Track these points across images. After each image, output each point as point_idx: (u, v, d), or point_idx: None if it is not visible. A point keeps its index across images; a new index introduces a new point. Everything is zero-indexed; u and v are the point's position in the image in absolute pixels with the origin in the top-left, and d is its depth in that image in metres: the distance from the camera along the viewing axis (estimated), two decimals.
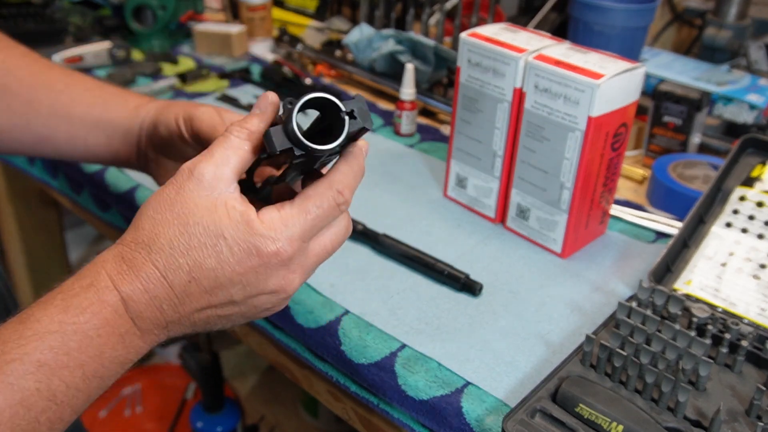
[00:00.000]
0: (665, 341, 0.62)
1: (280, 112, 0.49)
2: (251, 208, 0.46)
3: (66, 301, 0.43)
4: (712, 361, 0.62)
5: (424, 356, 0.67)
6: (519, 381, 0.64)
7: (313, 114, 0.50)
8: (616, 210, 0.90)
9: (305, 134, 0.45)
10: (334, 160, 0.50)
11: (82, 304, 0.43)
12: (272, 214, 0.45)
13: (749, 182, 0.79)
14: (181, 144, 0.64)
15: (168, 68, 1.31)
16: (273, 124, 0.49)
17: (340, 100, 0.45)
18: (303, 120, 0.45)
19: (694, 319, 0.68)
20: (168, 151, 0.66)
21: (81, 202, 1.09)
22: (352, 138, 0.47)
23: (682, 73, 1.18)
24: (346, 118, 0.45)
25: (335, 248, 0.50)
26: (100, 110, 0.67)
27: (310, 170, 0.52)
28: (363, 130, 0.46)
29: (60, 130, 0.68)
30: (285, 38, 1.43)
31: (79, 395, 0.42)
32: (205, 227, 0.44)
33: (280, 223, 0.45)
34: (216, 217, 0.44)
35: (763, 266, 0.73)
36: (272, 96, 0.49)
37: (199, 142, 0.62)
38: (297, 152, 0.45)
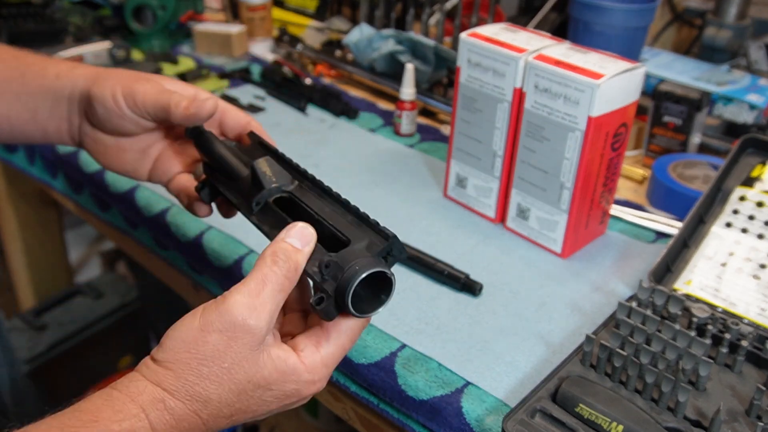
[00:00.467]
0: (665, 341, 0.62)
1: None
2: (293, 354, 0.47)
3: None
4: (712, 361, 0.62)
5: (424, 356, 0.67)
6: (519, 381, 0.64)
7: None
8: (616, 210, 0.90)
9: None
10: None
11: None
12: (314, 357, 0.48)
13: (749, 182, 0.79)
14: (119, 120, 0.60)
15: (168, 68, 1.30)
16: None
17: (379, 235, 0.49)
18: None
19: (694, 319, 0.68)
20: (105, 126, 0.62)
21: (81, 202, 1.09)
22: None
23: (682, 73, 1.18)
24: (393, 277, 0.47)
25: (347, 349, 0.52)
26: (18, 85, 0.63)
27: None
28: (396, 261, 0.50)
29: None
30: (285, 38, 1.43)
31: None
32: (255, 384, 0.46)
33: (321, 365, 0.48)
34: (266, 373, 0.46)
35: (763, 266, 0.73)
36: (310, 229, 0.50)
37: (142, 117, 0.60)
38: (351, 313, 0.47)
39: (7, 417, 0.74)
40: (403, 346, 0.68)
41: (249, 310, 0.44)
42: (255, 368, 0.45)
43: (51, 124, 0.64)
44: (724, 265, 0.74)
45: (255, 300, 0.45)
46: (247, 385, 0.45)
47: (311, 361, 0.47)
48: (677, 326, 0.63)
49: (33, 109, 0.63)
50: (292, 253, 0.47)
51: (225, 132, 0.65)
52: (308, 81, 1.24)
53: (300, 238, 0.48)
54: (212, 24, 1.42)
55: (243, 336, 0.44)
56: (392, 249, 0.48)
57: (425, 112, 1.18)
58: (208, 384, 0.44)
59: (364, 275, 0.45)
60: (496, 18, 1.33)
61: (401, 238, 0.80)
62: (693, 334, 0.63)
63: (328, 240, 0.50)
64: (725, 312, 0.70)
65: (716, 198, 0.80)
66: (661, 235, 0.87)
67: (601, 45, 1.10)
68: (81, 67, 0.63)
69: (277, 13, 1.55)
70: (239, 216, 0.61)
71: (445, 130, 1.13)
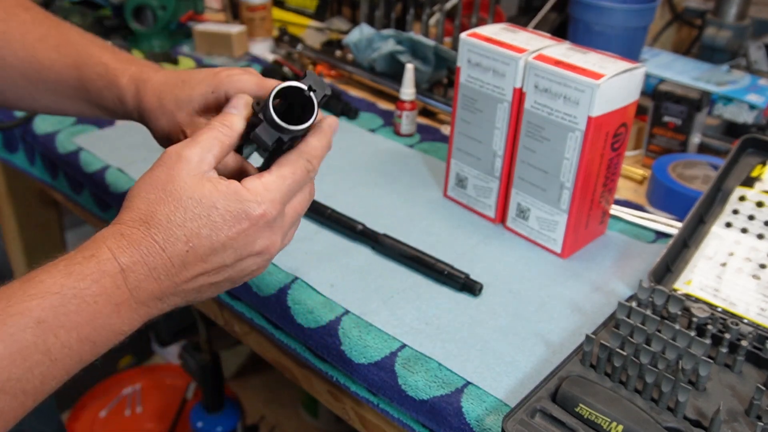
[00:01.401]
0: (665, 341, 0.62)
1: None
2: (234, 181, 0.51)
3: (69, 267, 0.46)
4: (711, 361, 0.62)
5: (424, 356, 0.67)
6: (519, 381, 0.64)
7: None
8: (616, 210, 0.90)
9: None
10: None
11: (84, 272, 0.46)
12: (254, 182, 0.51)
13: (749, 182, 0.79)
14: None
15: (168, 68, 1.30)
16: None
17: (297, 81, 0.53)
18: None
19: (694, 319, 0.68)
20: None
21: (81, 202, 1.09)
22: (320, 106, 0.54)
23: (682, 73, 1.18)
24: (312, 93, 0.53)
25: (303, 211, 0.56)
26: (83, 92, 0.67)
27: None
28: (325, 96, 0.54)
29: (46, 99, 0.69)
30: (285, 38, 1.43)
31: (72, 355, 0.45)
32: (197, 200, 0.49)
33: (263, 188, 0.51)
34: (206, 191, 0.49)
35: (762, 266, 0.73)
36: (246, 98, 0.56)
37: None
38: (285, 138, 0.53)
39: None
40: (403, 346, 0.68)
41: (183, 145, 0.51)
42: (195, 187, 0.49)
43: (110, 114, 0.69)
44: (724, 265, 0.74)
45: (189, 140, 0.52)
46: (190, 202, 0.49)
47: (252, 185, 0.51)
48: (677, 326, 0.63)
49: (93, 109, 0.68)
50: (228, 115, 0.54)
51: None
52: None
53: (235, 105, 0.55)
54: (212, 24, 1.42)
55: (179, 164, 0.50)
56: (311, 83, 0.53)
57: (425, 112, 1.18)
58: (154, 206, 0.49)
59: (279, 87, 0.52)
60: (496, 18, 1.33)
61: (401, 238, 0.81)
62: (693, 334, 0.63)
63: None
64: (725, 312, 0.70)
65: (716, 198, 0.80)
66: (661, 235, 0.87)
67: (601, 45, 1.10)
68: (144, 71, 0.65)
69: (277, 13, 1.55)
70: None
71: (445, 130, 1.13)
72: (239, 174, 0.56)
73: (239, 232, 0.50)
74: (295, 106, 0.55)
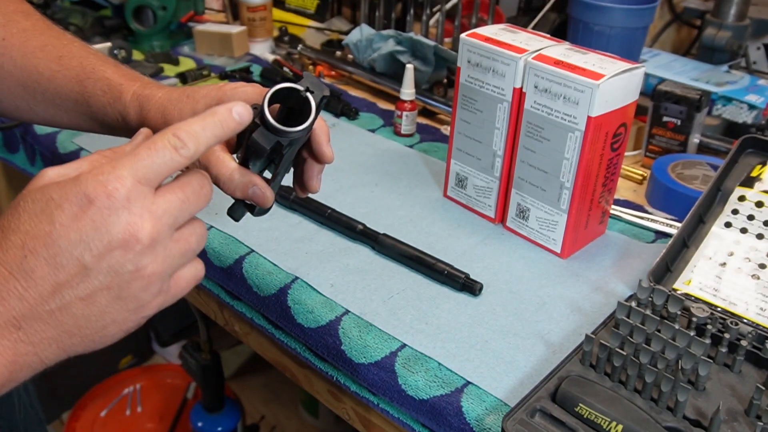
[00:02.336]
0: (665, 341, 0.62)
1: None
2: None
3: None
4: (711, 360, 0.62)
5: (424, 356, 0.67)
6: (519, 381, 0.64)
7: None
8: (615, 210, 0.90)
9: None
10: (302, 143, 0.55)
11: None
12: (102, 166, 0.42)
13: (749, 182, 0.79)
14: None
15: (168, 68, 1.31)
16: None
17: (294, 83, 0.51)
18: None
19: (694, 319, 0.68)
20: None
21: None
22: (318, 108, 0.51)
23: (682, 73, 1.18)
24: (309, 95, 0.50)
25: (191, 200, 0.44)
26: (85, 106, 0.65)
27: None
28: (324, 98, 0.51)
29: (45, 111, 0.68)
30: (285, 38, 1.43)
31: None
32: (33, 198, 0.41)
33: (109, 166, 0.41)
34: (45, 189, 0.41)
35: (762, 266, 0.73)
36: (145, 131, 0.48)
37: None
38: (284, 142, 0.50)
39: (9, 417, 0.74)
40: (403, 345, 0.68)
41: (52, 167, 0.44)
42: (35, 190, 0.41)
43: (108, 128, 0.66)
44: (723, 265, 0.74)
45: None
46: (27, 204, 0.40)
47: (99, 169, 0.41)
48: (677, 326, 0.63)
49: (93, 123, 0.66)
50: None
51: None
52: None
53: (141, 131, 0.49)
54: (213, 24, 1.42)
55: (34, 179, 0.43)
56: (308, 85, 0.50)
57: (425, 112, 1.19)
58: None
59: (275, 89, 0.49)
60: (496, 18, 1.33)
61: (401, 238, 0.81)
62: (692, 333, 0.63)
63: None
64: (725, 312, 0.70)
65: (716, 198, 0.80)
66: (661, 235, 0.87)
67: (601, 45, 1.10)
68: (147, 87, 0.62)
69: (278, 14, 1.55)
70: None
71: (445, 130, 1.13)
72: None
73: (83, 221, 0.40)
74: (294, 111, 0.53)
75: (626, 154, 1.05)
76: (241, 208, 0.57)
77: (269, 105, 0.50)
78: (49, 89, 0.65)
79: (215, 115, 0.44)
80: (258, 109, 0.50)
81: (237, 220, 0.57)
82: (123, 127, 0.63)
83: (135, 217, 0.41)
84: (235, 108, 0.45)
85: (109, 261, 0.40)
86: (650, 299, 0.69)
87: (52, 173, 0.42)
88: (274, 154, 0.53)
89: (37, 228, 0.39)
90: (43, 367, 0.41)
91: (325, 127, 0.56)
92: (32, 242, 0.39)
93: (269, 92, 0.50)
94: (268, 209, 0.57)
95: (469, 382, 0.64)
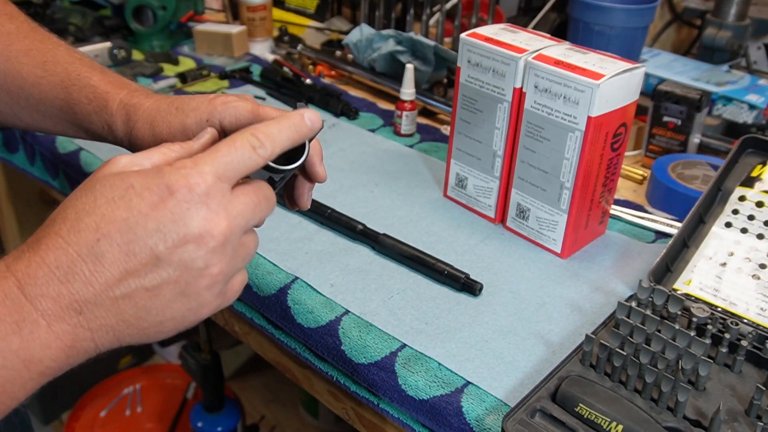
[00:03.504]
0: (665, 341, 0.62)
1: None
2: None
3: None
4: (711, 360, 0.62)
5: (424, 356, 0.67)
6: (519, 381, 0.64)
7: None
8: (615, 210, 0.90)
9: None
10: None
11: None
12: (184, 160, 0.42)
13: (749, 182, 0.79)
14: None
15: (168, 68, 1.31)
16: None
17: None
18: None
19: (694, 319, 0.68)
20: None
21: None
22: (311, 140, 0.51)
23: (682, 73, 1.18)
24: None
25: (262, 205, 0.45)
26: (70, 114, 0.63)
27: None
28: (318, 130, 0.50)
29: (28, 117, 0.66)
30: (285, 38, 1.43)
31: None
32: (111, 184, 0.40)
33: (191, 162, 0.42)
34: (124, 175, 0.41)
35: (762, 266, 0.73)
36: (212, 132, 0.50)
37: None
38: (276, 178, 0.49)
39: (10, 417, 0.74)
40: (403, 345, 0.68)
41: (117, 155, 0.44)
42: (112, 175, 0.41)
43: (93, 136, 0.64)
44: (723, 265, 0.74)
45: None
46: (103, 189, 0.40)
47: (179, 162, 0.42)
48: (677, 326, 0.63)
49: (77, 130, 0.64)
50: (187, 143, 0.48)
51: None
52: (308, 81, 1.24)
53: (200, 135, 0.50)
54: (212, 24, 1.42)
55: (106, 165, 0.43)
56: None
57: (425, 112, 1.19)
58: (65, 204, 0.41)
59: None
60: (496, 18, 1.33)
61: (401, 238, 0.81)
62: (693, 333, 0.63)
63: None
64: (725, 312, 0.70)
65: (716, 198, 0.80)
66: (661, 235, 0.87)
67: (601, 45, 1.10)
68: (134, 95, 0.61)
69: (277, 14, 1.55)
70: None
71: (445, 130, 1.13)
72: None
73: (163, 211, 0.39)
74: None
75: (626, 154, 1.05)
76: None
77: None
78: (33, 95, 0.63)
79: (289, 119, 0.46)
80: None
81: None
82: (110, 136, 0.61)
83: (212, 213, 0.41)
84: (307, 114, 0.47)
85: (182, 254, 0.40)
86: (650, 299, 0.69)
87: (125, 161, 0.43)
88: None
89: (114, 213, 0.39)
90: (97, 353, 0.41)
91: (318, 147, 0.55)
92: (107, 226, 0.39)
93: None
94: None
95: (469, 382, 0.64)
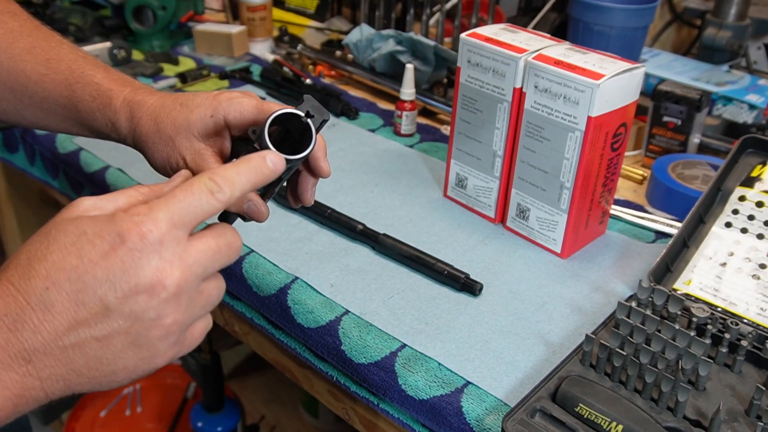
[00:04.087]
0: (665, 341, 0.62)
1: None
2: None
3: None
4: (711, 360, 0.62)
5: (424, 356, 0.67)
6: (519, 381, 0.64)
7: None
8: (615, 210, 0.90)
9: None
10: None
11: None
12: (139, 206, 0.41)
13: (749, 182, 0.79)
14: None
15: (168, 68, 1.31)
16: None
17: (294, 106, 0.50)
18: None
19: (694, 319, 0.68)
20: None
21: None
22: (317, 131, 0.51)
23: (682, 73, 1.18)
24: (309, 120, 0.49)
25: (222, 252, 0.43)
26: (73, 111, 0.63)
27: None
28: (324, 122, 0.51)
29: (32, 115, 0.66)
30: (285, 38, 1.43)
31: None
32: (65, 230, 0.39)
33: (145, 208, 0.40)
34: (79, 221, 0.40)
35: (762, 266, 0.73)
36: (186, 173, 0.48)
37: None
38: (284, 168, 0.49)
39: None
40: (403, 345, 0.68)
41: (88, 197, 0.43)
42: (68, 221, 0.40)
43: (97, 134, 0.64)
44: (723, 265, 0.74)
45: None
46: (57, 234, 0.39)
47: (135, 208, 0.41)
48: (677, 326, 0.63)
49: (81, 129, 0.64)
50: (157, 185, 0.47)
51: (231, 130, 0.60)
52: (308, 81, 1.24)
53: (170, 181, 0.48)
54: (212, 24, 1.42)
55: (68, 208, 0.42)
56: (309, 108, 0.50)
57: (425, 112, 1.19)
58: (21, 249, 0.40)
59: (275, 114, 0.49)
60: (496, 18, 1.33)
61: (401, 238, 0.81)
62: (693, 333, 0.63)
63: None
64: (725, 312, 0.70)
65: (716, 198, 0.80)
66: (661, 235, 0.87)
67: (601, 45, 1.10)
68: (137, 93, 0.61)
69: (277, 14, 1.55)
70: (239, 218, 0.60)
71: (445, 130, 1.13)
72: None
73: (113, 259, 0.38)
74: (292, 131, 0.52)
75: (626, 154, 1.05)
76: (233, 214, 0.56)
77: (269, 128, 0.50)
78: (37, 93, 0.63)
79: (249, 161, 0.44)
80: (257, 133, 0.50)
81: (230, 224, 0.57)
82: (114, 134, 0.62)
83: (165, 262, 0.39)
84: (269, 156, 0.45)
85: (132, 305, 0.39)
86: (650, 299, 0.69)
87: (87, 204, 0.42)
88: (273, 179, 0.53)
89: (65, 261, 0.38)
90: (47, 401, 0.40)
91: (322, 142, 0.54)
92: (57, 274, 0.38)
93: (269, 119, 0.49)
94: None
95: (469, 382, 0.64)
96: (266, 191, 0.55)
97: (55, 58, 0.63)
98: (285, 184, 0.59)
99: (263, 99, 1.08)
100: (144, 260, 0.39)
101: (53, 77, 0.63)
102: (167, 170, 0.59)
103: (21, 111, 0.65)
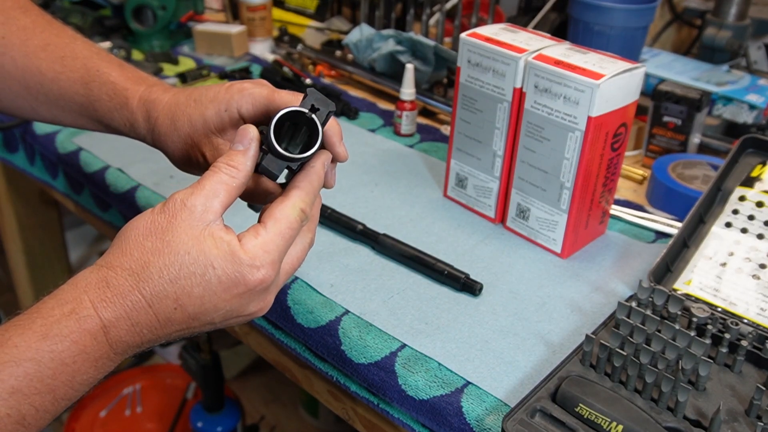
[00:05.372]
0: (665, 341, 0.62)
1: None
2: (235, 238, 0.48)
3: (46, 327, 0.43)
4: (711, 361, 0.62)
5: (424, 356, 0.67)
6: (519, 381, 0.64)
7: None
8: (616, 210, 0.90)
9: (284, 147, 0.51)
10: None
11: (62, 332, 0.43)
12: (253, 242, 0.48)
13: (749, 182, 0.79)
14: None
15: (168, 68, 1.31)
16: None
17: (301, 99, 0.52)
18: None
19: (694, 319, 0.68)
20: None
21: (81, 202, 1.09)
22: (324, 125, 0.53)
23: (682, 73, 1.18)
24: (314, 116, 0.51)
25: (301, 263, 0.54)
26: (90, 110, 0.64)
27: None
28: (330, 113, 0.52)
29: (47, 112, 0.66)
30: (285, 38, 1.43)
31: (47, 416, 0.43)
32: (194, 257, 0.46)
33: (261, 250, 0.47)
34: (205, 248, 0.46)
35: (762, 266, 0.73)
36: (253, 131, 0.51)
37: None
38: (294, 166, 0.53)
39: None
40: (403, 345, 0.68)
41: (187, 193, 0.48)
42: (195, 241, 0.46)
43: (114, 131, 0.66)
44: (723, 265, 0.74)
45: (194, 187, 0.48)
46: (186, 257, 0.46)
47: (251, 245, 0.47)
48: (677, 326, 0.63)
49: (97, 126, 0.65)
50: (234, 154, 0.50)
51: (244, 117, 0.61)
52: (308, 81, 1.24)
53: (241, 140, 0.51)
54: (212, 24, 1.42)
55: (182, 212, 0.47)
56: (313, 102, 0.51)
57: (425, 112, 1.19)
58: (149, 256, 0.46)
59: (279, 115, 0.50)
60: (496, 18, 1.33)
61: (401, 238, 0.81)
62: (693, 333, 0.63)
63: None
64: (725, 312, 0.70)
65: (716, 198, 0.80)
66: (661, 235, 0.87)
67: (601, 45, 1.10)
68: (153, 89, 0.62)
69: (277, 13, 1.55)
70: (239, 218, 0.61)
71: (445, 130, 1.13)
72: (258, 194, 0.55)
73: (233, 297, 0.47)
74: (301, 125, 0.53)
75: (626, 154, 1.05)
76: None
77: (275, 130, 0.50)
78: (53, 91, 0.64)
79: (317, 172, 0.53)
80: (265, 134, 0.51)
81: (257, 211, 0.60)
82: (132, 133, 0.62)
83: (269, 295, 0.50)
84: (320, 160, 0.54)
85: (229, 322, 0.50)
86: (650, 299, 0.69)
87: (197, 205, 0.47)
88: (288, 169, 0.54)
89: (192, 290, 0.46)
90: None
91: (337, 127, 0.56)
92: (184, 300, 0.46)
93: (274, 119, 0.50)
94: None
95: (469, 382, 0.64)
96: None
97: (70, 56, 0.64)
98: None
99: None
100: (256, 297, 0.49)
101: (69, 75, 0.63)
102: (188, 167, 0.61)
103: (36, 108, 0.66)
